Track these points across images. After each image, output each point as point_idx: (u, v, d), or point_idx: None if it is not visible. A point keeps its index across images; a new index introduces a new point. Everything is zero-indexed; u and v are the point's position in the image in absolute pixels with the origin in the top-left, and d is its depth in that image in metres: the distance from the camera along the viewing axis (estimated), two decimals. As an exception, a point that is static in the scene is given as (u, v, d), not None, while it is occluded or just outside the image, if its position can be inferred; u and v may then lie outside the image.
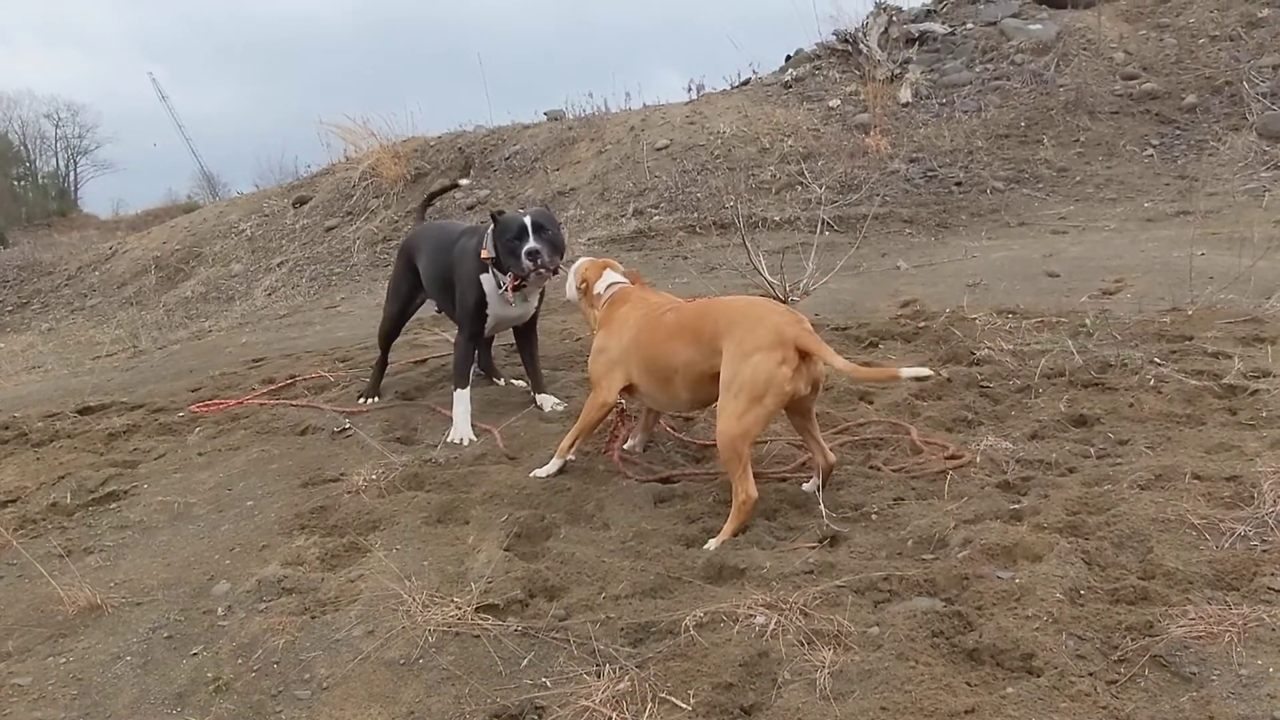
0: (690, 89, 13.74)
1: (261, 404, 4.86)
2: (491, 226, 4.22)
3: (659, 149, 11.24)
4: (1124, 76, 10.62)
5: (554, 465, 3.53)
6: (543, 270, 4.05)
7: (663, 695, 2.11)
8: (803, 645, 2.22)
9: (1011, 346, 4.54)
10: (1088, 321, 4.77)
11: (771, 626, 2.29)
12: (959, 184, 9.35)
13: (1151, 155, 9.47)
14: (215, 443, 4.33)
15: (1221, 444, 3.21)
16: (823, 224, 8.37)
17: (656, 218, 9.73)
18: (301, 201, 13.61)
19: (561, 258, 4.20)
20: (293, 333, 7.90)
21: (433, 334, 6.29)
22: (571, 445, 3.54)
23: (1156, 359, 4.14)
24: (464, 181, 3.61)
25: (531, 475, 3.49)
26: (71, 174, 58.51)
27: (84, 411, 5.29)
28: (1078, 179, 9.23)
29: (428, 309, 5.08)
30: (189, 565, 3.06)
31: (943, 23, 12.69)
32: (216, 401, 5.03)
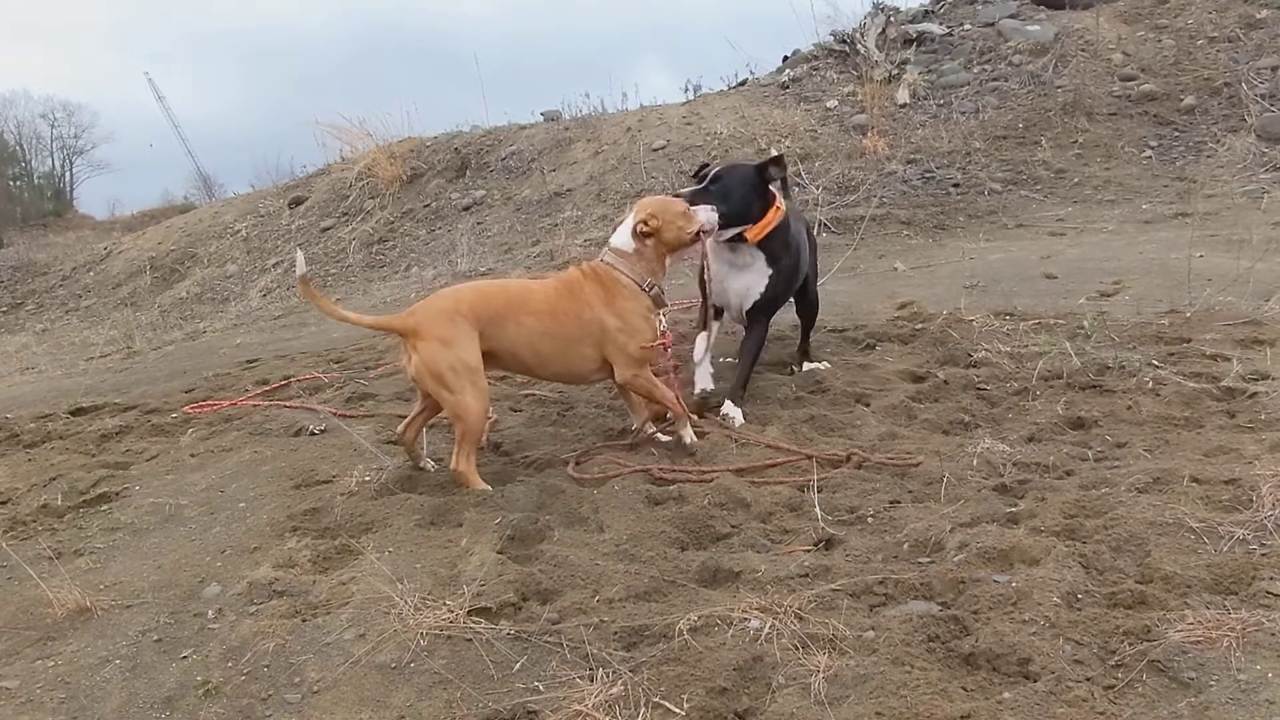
0: (687, 89, 13.76)
1: (255, 405, 4.83)
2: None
3: (656, 150, 11.23)
4: (1122, 78, 10.62)
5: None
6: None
7: (656, 700, 2.08)
8: (797, 649, 2.20)
9: (1009, 348, 4.52)
10: (1086, 323, 4.75)
11: (766, 630, 2.27)
12: (956, 185, 9.34)
13: (1150, 157, 9.47)
14: (208, 444, 4.31)
15: (1220, 447, 3.19)
16: (820, 225, 8.36)
17: (654, 219, 9.71)
18: (297, 202, 13.60)
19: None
20: (287, 334, 7.88)
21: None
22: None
23: (1155, 361, 4.12)
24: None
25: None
26: (67, 174, 58.61)
27: (76, 412, 5.27)
28: (1076, 180, 9.23)
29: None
30: (179, 568, 3.03)
31: (940, 23, 12.68)
32: (210, 403, 5.01)
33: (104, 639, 2.64)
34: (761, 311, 4.27)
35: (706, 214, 3.71)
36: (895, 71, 11.71)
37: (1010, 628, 2.17)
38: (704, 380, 4.28)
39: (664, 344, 3.78)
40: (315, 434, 4.23)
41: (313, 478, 3.69)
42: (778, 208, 4.11)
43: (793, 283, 4.41)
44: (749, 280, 4.21)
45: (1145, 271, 5.90)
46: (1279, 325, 4.47)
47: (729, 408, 4.02)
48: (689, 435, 3.65)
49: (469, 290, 3.58)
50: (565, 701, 2.11)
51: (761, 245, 4.13)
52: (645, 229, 3.59)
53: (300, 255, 3.52)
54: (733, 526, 3.02)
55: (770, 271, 4.18)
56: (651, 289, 3.62)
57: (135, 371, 6.99)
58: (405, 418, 3.69)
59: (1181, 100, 10.06)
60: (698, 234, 3.66)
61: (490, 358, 3.48)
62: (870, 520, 2.97)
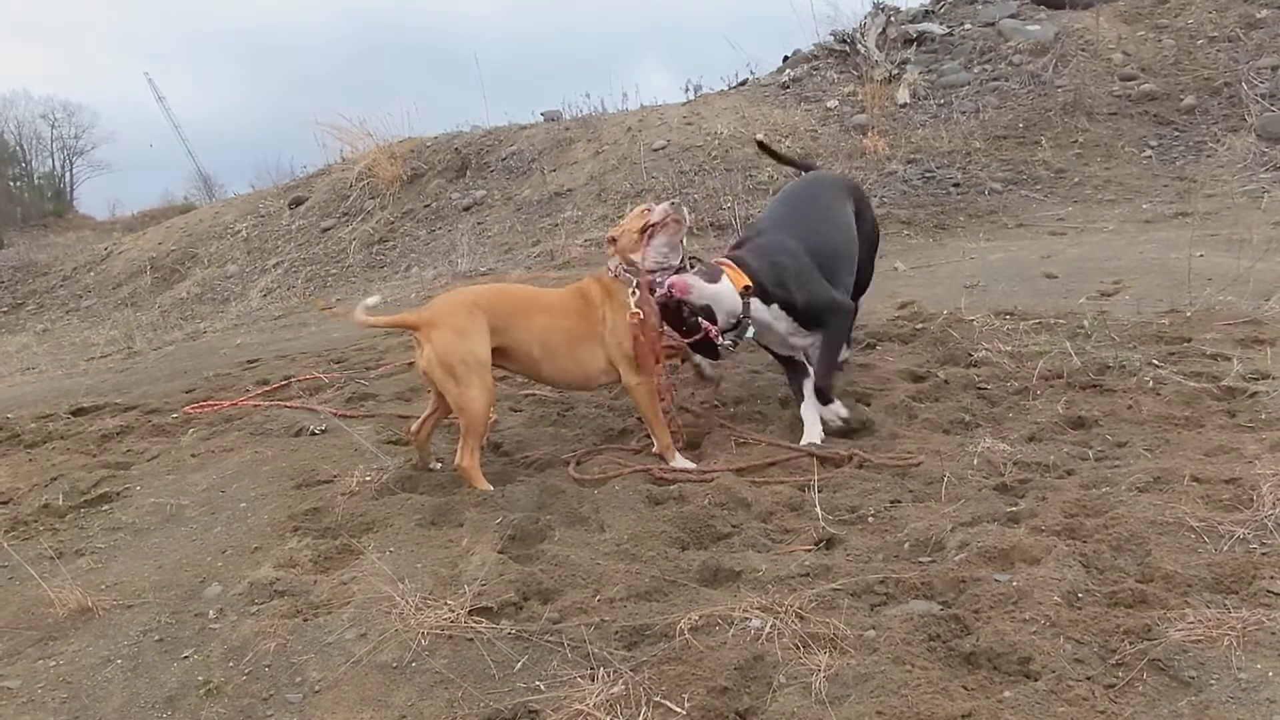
0: (688, 89, 13.77)
1: (256, 405, 4.84)
2: None
3: (656, 150, 11.24)
4: (1122, 78, 10.61)
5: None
6: None
7: (657, 699, 2.08)
8: (798, 649, 2.20)
9: (1009, 348, 4.52)
10: (1086, 323, 4.75)
11: (767, 630, 2.27)
12: (957, 185, 9.35)
13: (1150, 156, 9.47)
14: (208, 444, 4.31)
15: (1220, 446, 3.19)
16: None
17: (654, 219, 9.71)
18: (298, 202, 13.60)
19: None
20: (288, 334, 7.89)
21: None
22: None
23: (1155, 361, 4.12)
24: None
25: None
26: (67, 175, 58.53)
27: (77, 413, 5.28)
28: (1076, 180, 9.22)
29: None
30: (180, 567, 3.03)
31: (941, 23, 12.68)
32: (210, 403, 5.01)
33: (105, 639, 2.65)
34: (812, 322, 3.81)
35: (664, 207, 3.60)
36: (895, 71, 11.71)
37: (1011, 627, 2.17)
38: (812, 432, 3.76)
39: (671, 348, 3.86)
40: (316, 434, 4.24)
41: (313, 478, 3.69)
42: (724, 264, 3.70)
43: (820, 264, 3.85)
44: (781, 328, 3.78)
45: (1145, 271, 5.90)
46: (1279, 325, 4.47)
47: (816, 411, 3.74)
48: (679, 464, 3.56)
49: (488, 287, 3.73)
50: (566, 701, 2.12)
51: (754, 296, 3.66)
52: (610, 236, 3.72)
53: (373, 299, 3.55)
54: (733, 526, 3.02)
55: (778, 305, 3.72)
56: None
57: (136, 372, 7.00)
58: (412, 418, 3.70)
59: (1182, 100, 10.06)
60: (643, 230, 3.59)
61: (502, 354, 3.53)
62: (871, 520, 2.97)
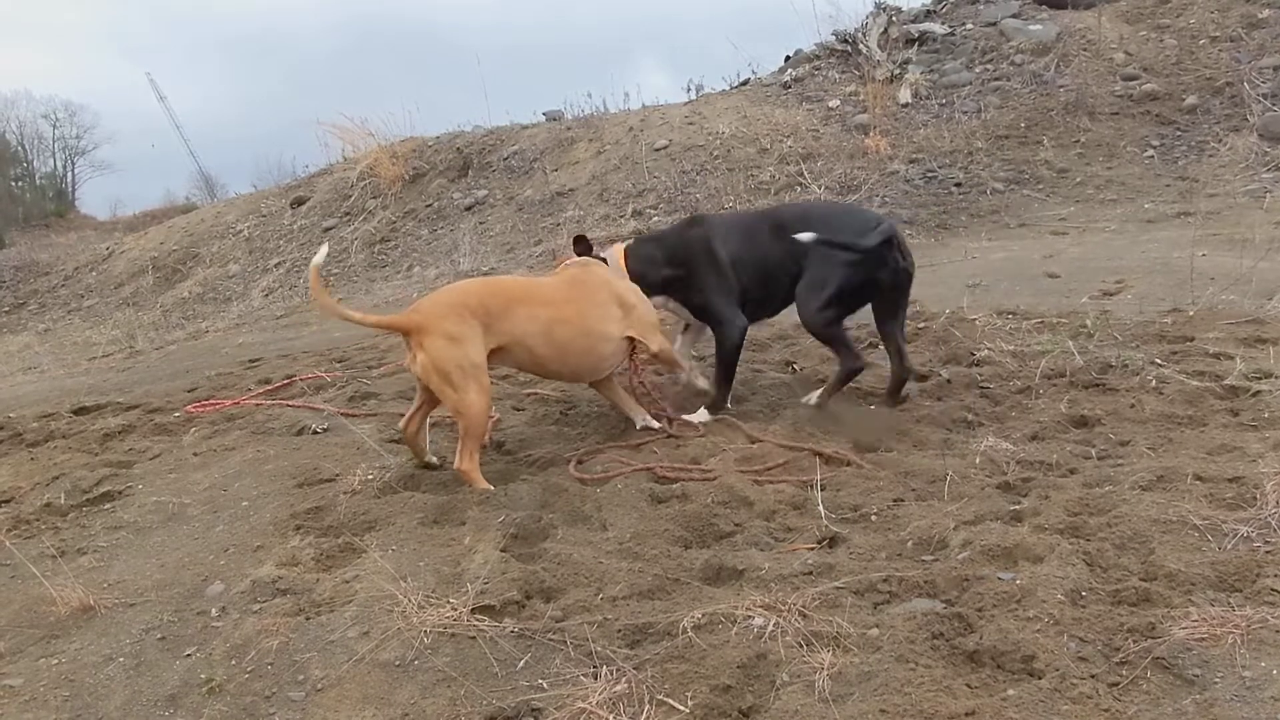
0: (689, 89, 13.77)
1: (258, 404, 4.84)
2: None
3: (658, 149, 11.24)
4: (1124, 77, 10.61)
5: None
6: None
7: (660, 697, 2.08)
8: (801, 647, 2.19)
9: (1012, 347, 4.52)
10: (1088, 322, 4.75)
11: (770, 628, 2.27)
12: (959, 185, 9.34)
13: (1152, 156, 9.46)
14: (211, 443, 4.31)
15: (1223, 445, 3.19)
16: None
17: (655, 218, 9.72)
18: (299, 202, 13.61)
19: None
20: (289, 333, 7.89)
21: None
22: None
23: (1158, 360, 4.12)
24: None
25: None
26: (69, 175, 58.35)
27: (79, 412, 5.27)
28: (1078, 180, 9.22)
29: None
30: (183, 566, 3.03)
31: (942, 23, 12.68)
32: (212, 402, 5.01)
33: (107, 637, 2.64)
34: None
35: None
36: (897, 71, 11.71)
37: (1014, 625, 2.17)
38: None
39: None
40: (318, 433, 4.23)
41: (316, 476, 3.69)
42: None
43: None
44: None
45: (1148, 270, 5.90)
46: (1282, 324, 4.47)
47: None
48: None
49: (476, 283, 3.66)
50: (569, 699, 2.11)
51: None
52: None
53: (324, 247, 3.66)
54: (736, 525, 3.01)
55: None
56: None
57: (138, 371, 7.00)
58: (405, 414, 3.68)
59: (1183, 100, 10.06)
60: None
61: (501, 351, 3.50)
62: (874, 518, 2.96)
